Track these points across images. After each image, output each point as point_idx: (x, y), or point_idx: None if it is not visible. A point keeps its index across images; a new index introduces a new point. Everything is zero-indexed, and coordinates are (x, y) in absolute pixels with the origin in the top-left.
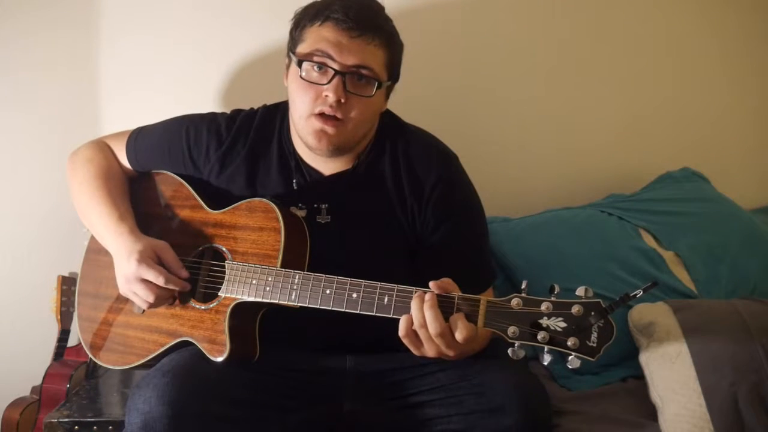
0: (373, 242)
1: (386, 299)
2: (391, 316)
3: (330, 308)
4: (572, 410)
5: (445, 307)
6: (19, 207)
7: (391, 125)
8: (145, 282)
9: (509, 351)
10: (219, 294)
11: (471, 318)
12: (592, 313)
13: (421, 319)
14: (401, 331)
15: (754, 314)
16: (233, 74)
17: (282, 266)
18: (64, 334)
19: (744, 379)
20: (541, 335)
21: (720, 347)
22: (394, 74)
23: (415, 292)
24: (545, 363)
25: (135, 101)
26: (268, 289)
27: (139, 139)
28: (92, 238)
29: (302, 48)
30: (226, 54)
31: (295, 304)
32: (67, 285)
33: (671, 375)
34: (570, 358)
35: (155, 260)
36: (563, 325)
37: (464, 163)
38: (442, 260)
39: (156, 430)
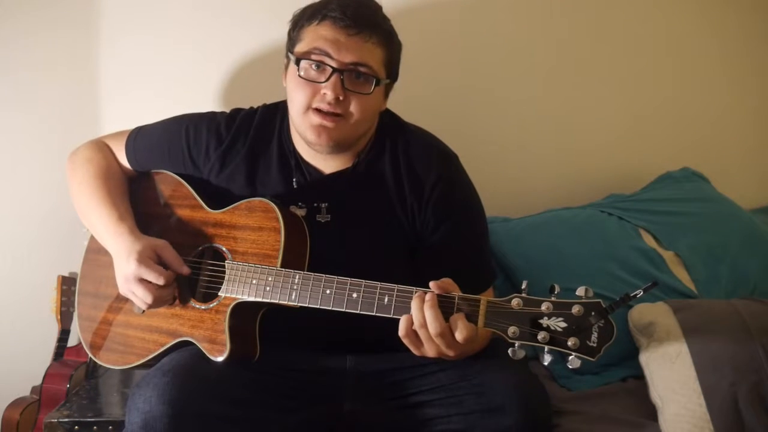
0: (372, 241)
1: (386, 299)
2: (391, 316)
3: (330, 308)
4: (572, 410)
5: (445, 307)
6: (19, 207)
7: (391, 124)
8: (145, 282)
9: (509, 351)
10: (219, 294)
11: (471, 318)
12: (593, 313)
13: (421, 319)
14: (401, 331)
15: (754, 314)
16: (233, 74)
17: (282, 266)
18: (64, 334)
19: (744, 379)
20: (541, 335)
21: (720, 347)
22: (392, 73)
23: (416, 292)
24: (545, 363)
25: (135, 101)
26: (268, 289)
27: (138, 138)
28: (92, 237)
29: (300, 47)
30: (226, 54)
31: (295, 304)
32: (67, 285)
33: (671, 375)
34: (570, 358)
35: (155, 260)
36: (563, 325)
37: (464, 162)
38: (442, 260)
39: (156, 430)
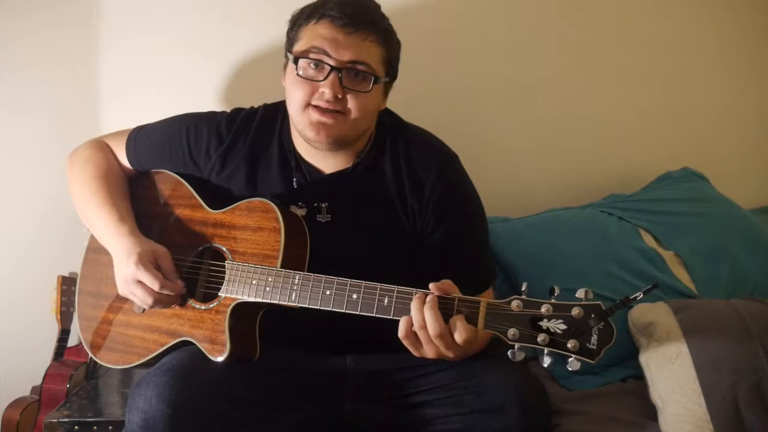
0: (373, 241)
1: (386, 300)
2: (391, 317)
3: (330, 309)
4: (572, 410)
5: (445, 308)
6: (19, 207)
7: (391, 124)
8: (143, 284)
9: (509, 353)
10: (219, 294)
11: (471, 320)
12: (592, 316)
13: (420, 320)
14: (401, 332)
15: (754, 314)
16: (233, 74)
17: (282, 266)
18: (64, 334)
19: (744, 379)
20: (541, 337)
21: (720, 347)
22: (391, 72)
23: (415, 293)
24: (545, 365)
25: (135, 101)
26: (268, 289)
27: (138, 138)
28: (92, 237)
29: (298, 46)
30: (226, 54)
31: (295, 304)
32: (67, 285)
33: (671, 375)
34: (570, 360)
35: (153, 264)
36: (563, 327)
37: (464, 162)
38: (442, 260)
39: (156, 429)
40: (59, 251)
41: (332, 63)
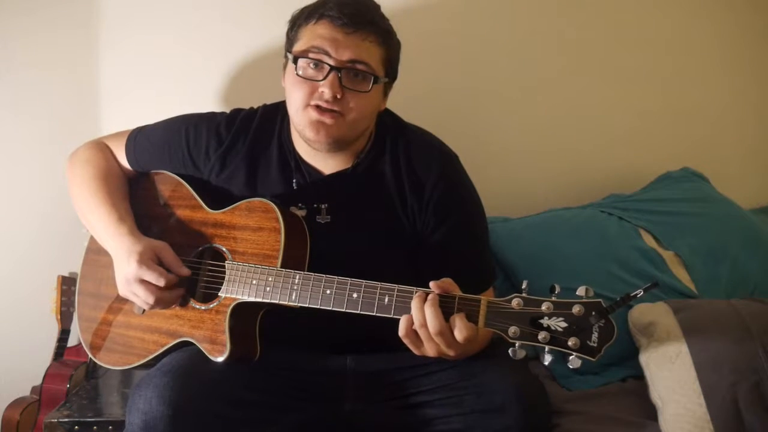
0: (373, 242)
1: (386, 299)
2: (391, 316)
3: (330, 308)
4: (572, 410)
5: (445, 307)
6: (19, 207)
7: (391, 124)
8: (146, 283)
9: (510, 351)
10: (219, 294)
11: (471, 318)
12: (593, 313)
13: (421, 318)
14: (401, 331)
15: (754, 314)
16: (233, 74)
17: (282, 266)
18: (64, 334)
19: (744, 379)
20: (541, 335)
21: (720, 347)
22: (391, 72)
23: (416, 292)
24: (546, 363)
25: (135, 101)
26: (268, 289)
27: (138, 139)
28: (92, 238)
29: (298, 46)
30: (226, 54)
31: (296, 304)
32: (67, 285)
33: (671, 375)
34: (571, 358)
35: (155, 261)
36: (564, 325)
37: (464, 162)
38: (443, 260)
39: (157, 430)
40: (59, 251)
41: (332, 63)
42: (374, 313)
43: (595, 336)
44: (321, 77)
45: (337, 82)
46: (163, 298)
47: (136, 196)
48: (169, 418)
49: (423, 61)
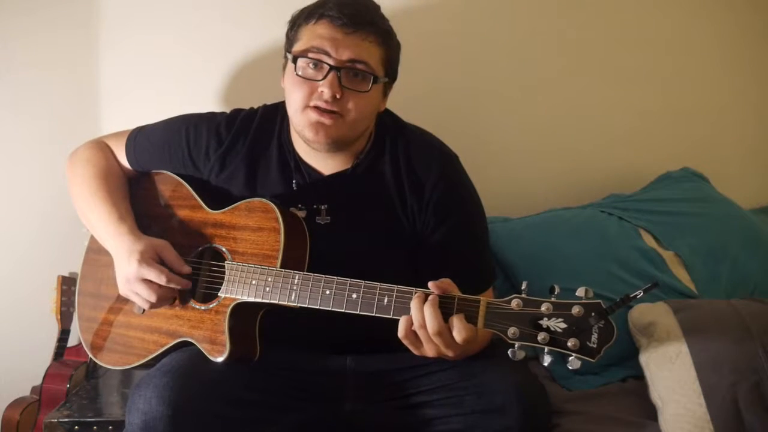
0: (373, 243)
1: (386, 300)
2: (390, 316)
3: (329, 309)
4: (572, 410)
5: (444, 307)
6: (19, 207)
7: (391, 125)
8: (147, 282)
9: (509, 352)
10: (219, 294)
11: (471, 319)
12: (593, 314)
13: (420, 319)
14: (400, 332)
15: (754, 314)
16: (233, 74)
17: (281, 266)
18: (64, 334)
19: (744, 379)
20: (541, 336)
21: (720, 347)
22: (391, 72)
23: (415, 292)
24: (545, 364)
25: (135, 101)
26: (267, 289)
27: (138, 139)
28: (92, 237)
29: (298, 46)
30: (226, 54)
31: (295, 304)
32: (67, 285)
33: (671, 375)
34: (570, 359)
35: (156, 259)
36: (563, 325)
37: (464, 163)
38: (442, 260)
39: (156, 430)
40: (59, 251)
41: (331, 62)
42: (373, 314)
43: (594, 337)
44: (320, 77)
45: (337, 82)
46: (163, 298)
47: (136, 195)
48: (169, 418)
49: (423, 62)
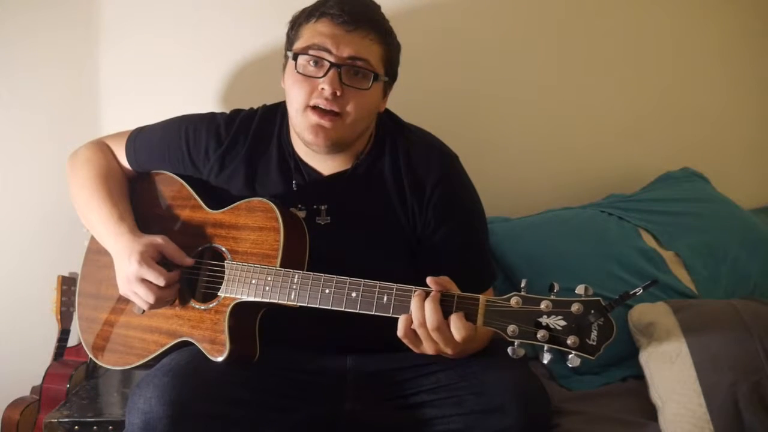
0: (373, 243)
1: (385, 298)
2: (390, 315)
3: (329, 308)
4: (572, 410)
5: (444, 305)
6: (19, 207)
7: (391, 125)
8: (146, 282)
9: (509, 350)
10: (219, 294)
11: (470, 317)
12: (592, 312)
13: (420, 317)
14: (400, 331)
15: (754, 314)
16: (233, 74)
17: (281, 266)
18: (64, 334)
19: (744, 379)
20: (540, 334)
21: (720, 347)
22: (391, 72)
23: (415, 290)
24: (545, 362)
25: (135, 101)
26: (267, 288)
27: (138, 139)
28: (92, 238)
29: (299, 44)
30: (226, 54)
31: (295, 303)
32: (67, 285)
33: (671, 375)
34: (570, 356)
35: (156, 259)
36: (563, 323)
37: (464, 163)
38: (443, 261)
39: (157, 430)
40: (59, 251)
41: (332, 59)
42: (373, 312)
43: (594, 334)
44: (321, 74)
45: (337, 79)
46: (162, 299)
47: (136, 196)
48: (169, 418)
49: (423, 62)
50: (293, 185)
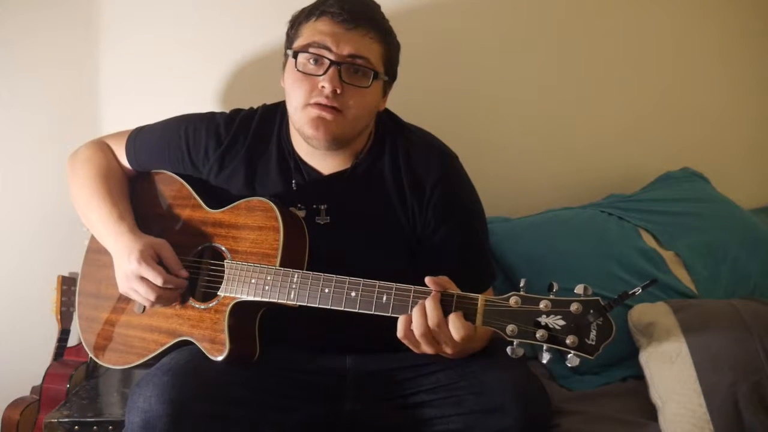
0: (372, 243)
1: (384, 298)
2: (389, 314)
3: (329, 307)
4: (572, 410)
5: (443, 305)
6: (19, 207)
7: (390, 125)
8: (145, 280)
9: (508, 349)
10: (218, 293)
11: (469, 316)
12: (591, 311)
13: (422, 327)
14: (400, 332)
15: (754, 314)
16: (233, 74)
17: (281, 265)
18: (64, 334)
19: (744, 379)
20: (539, 333)
21: (720, 347)
22: (391, 71)
23: (414, 290)
24: (544, 361)
25: (135, 101)
26: (267, 288)
27: (138, 139)
28: (92, 237)
29: (299, 42)
30: (226, 54)
31: (294, 303)
32: (67, 285)
33: (671, 375)
34: (569, 356)
35: (155, 259)
36: (562, 323)
37: (464, 163)
38: (442, 261)
39: (156, 429)
40: (59, 251)
41: (332, 57)
42: (372, 312)
43: (593, 334)
44: (321, 72)
45: (337, 77)
46: (163, 296)
47: (136, 195)
48: (169, 417)
49: (423, 62)
50: (293, 185)
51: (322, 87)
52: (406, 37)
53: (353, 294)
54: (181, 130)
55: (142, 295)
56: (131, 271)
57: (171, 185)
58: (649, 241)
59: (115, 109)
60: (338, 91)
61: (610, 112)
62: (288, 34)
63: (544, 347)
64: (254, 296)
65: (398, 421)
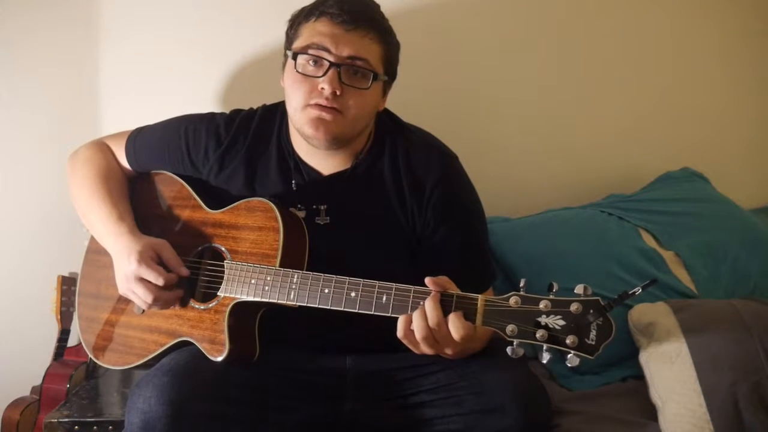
0: (372, 243)
1: (384, 298)
2: (389, 315)
3: (329, 307)
4: (572, 410)
5: (443, 305)
6: (19, 207)
7: (390, 125)
8: (145, 282)
9: (508, 349)
10: (218, 294)
11: (469, 316)
12: (591, 311)
13: (423, 329)
14: (400, 332)
15: (754, 314)
16: (233, 74)
17: (281, 266)
18: (64, 334)
19: (744, 379)
20: (539, 333)
21: (720, 347)
22: (391, 71)
23: (414, 291)
24: (544, 361)
25: (135, 101)
26: (267, 288)
27: (138, 139)
28: (92, 238)
29: (298, 43)
30: (226, 54)
31: (294, 303)
32: (67, 285)
33: (671, 375)
34: (569, 356)
35: (155, 260)
36: (562, 323)
37: (464, 163)
38: (442, 261)
39: (156, 430)
40: (59, 251)
41: (331, 59)
42: (372, 312)
43: (593, 334)
44: (320, 73)
45: (337, 79)
46: (162, 297)
47: (136, 196)
48: (169, 417)
49: (423, 62)
50: (293, 185)
51: (322, 89)
52: (406, 36)
53: (353, 294)
54: (181, 131)
55: (141, 297)
56: (131, 271)
57: (171, 186)
58: (649, 241)
59: (115, 109)
60: (338, 93)
61: (610, 112)
62: (287, 34)
63: (544, 347)
64: (254, 296)
65: (398, 421)
